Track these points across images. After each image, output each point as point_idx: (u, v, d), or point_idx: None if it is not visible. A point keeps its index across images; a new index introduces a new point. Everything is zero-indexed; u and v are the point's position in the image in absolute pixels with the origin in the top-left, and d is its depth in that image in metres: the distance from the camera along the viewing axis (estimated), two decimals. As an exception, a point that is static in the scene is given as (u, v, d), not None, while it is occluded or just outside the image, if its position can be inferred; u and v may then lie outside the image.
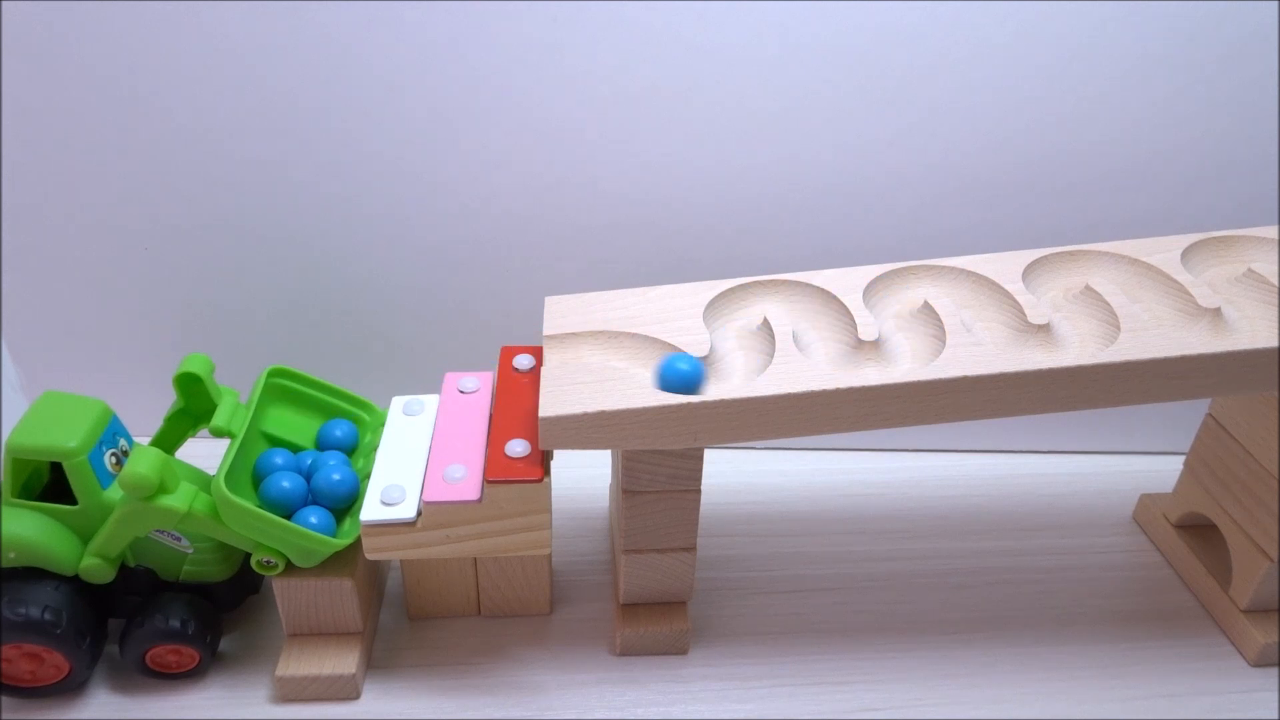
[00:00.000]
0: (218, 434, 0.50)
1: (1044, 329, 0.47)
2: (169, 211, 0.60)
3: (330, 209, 0.60)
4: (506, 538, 0.48)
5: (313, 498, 0.49)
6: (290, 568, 0.48)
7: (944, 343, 0.47)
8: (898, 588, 0.59)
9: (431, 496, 0.47)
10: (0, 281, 0.62)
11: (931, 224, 0.62)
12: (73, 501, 0.46)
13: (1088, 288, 0.50)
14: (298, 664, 0.50)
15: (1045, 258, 0.52)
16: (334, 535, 0.48)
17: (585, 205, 0.61)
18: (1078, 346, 0.47)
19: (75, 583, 0.48)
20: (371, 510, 0.47)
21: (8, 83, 0.55)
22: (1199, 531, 0.61)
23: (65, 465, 0.45)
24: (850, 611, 0.57)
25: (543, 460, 0.47)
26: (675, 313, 0.50)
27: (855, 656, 0.54)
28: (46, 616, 0.46)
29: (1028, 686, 0.53)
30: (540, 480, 0.46)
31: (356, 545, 0.48)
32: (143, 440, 0.51)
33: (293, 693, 0.50)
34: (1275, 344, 0.46)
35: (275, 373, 0.53)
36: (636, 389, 0.46)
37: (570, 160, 0.59)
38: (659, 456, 0.48)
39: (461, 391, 0.54)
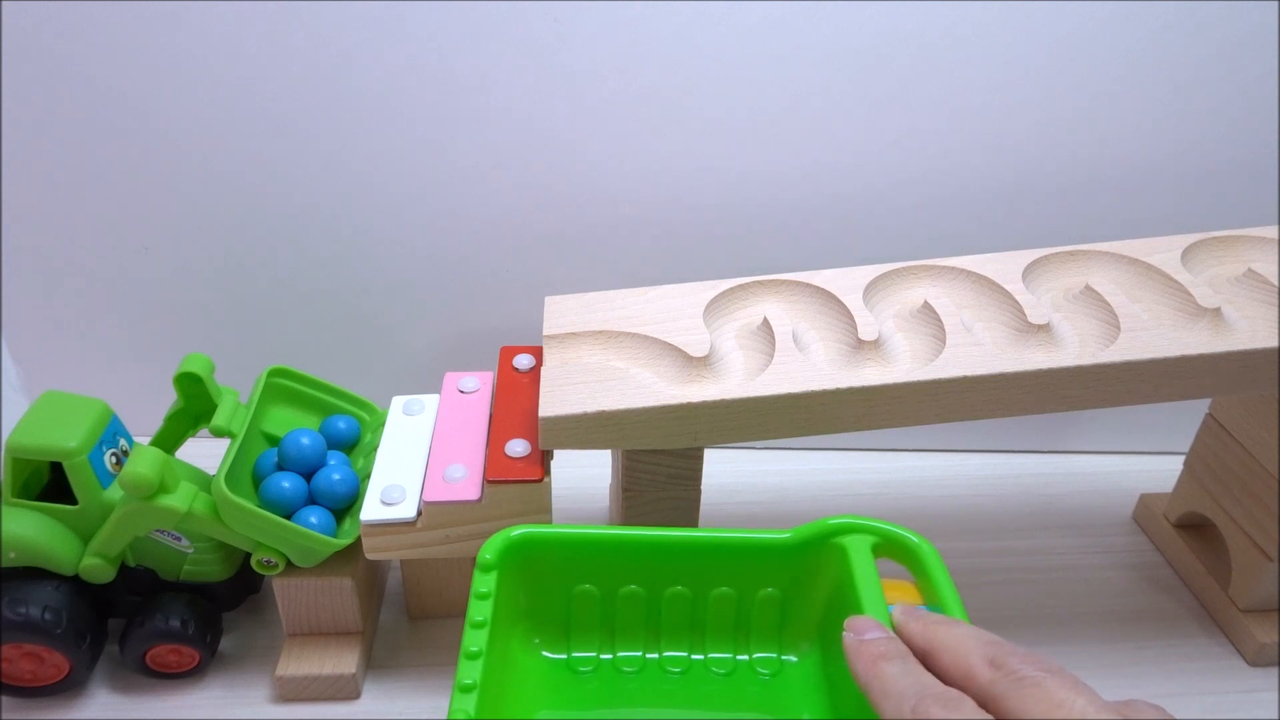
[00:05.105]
0: (218, 434, 0.50)
1: (1044, 329, 0.47)
2: (168, 211, 0.60)
3: (330, 209, 0.60)
4: (506, 538, 0.48)
5: (313, 498, 0.49)
6: (290, 568, 0.48)
7: (944, 343, 0.47)
8: (898, 588, 0.59)
9: (431, 496, 0.47)
10: (0, 281, 0.62)
11: (931, 224, 0.62)
12: (73, 501, 0.46)
13: (1088, 288, 0.50)
14: (298, 664, 0.50)
15: (1045, 258, 0.52)
16: (334, 535, 0.48)
17: (585, 205, 0.61)
18: (1078, 346, 0.47)
19: (75, 583, 0.48)
20: (371, 510, 0.47)
21: (8, 83, 0.55)
22: (1199, 531, 0.61)
23: (65, 465, 0.45)
24: (850, 611, 0.57)
25: (543, 460, 0.47)
26: (675, 313, 0.50)
27: (855, 656, 0.54)
28: (46, 616, 0.46)
29: (1028, 686, 0.53)
30: (540, 480, 0.46)
31: (356, 545, 0.48)
32: (143, 440, 0.51)
33: (293, 693, 0.50)
34: (1275, 344, 0.46)
35: (275, 373, 0.53)
36: (636, 389, 0.46)
37: (570, 160, 0.59)
38: (659, 456, 0.48)
39: (461, 391, 0.54)
